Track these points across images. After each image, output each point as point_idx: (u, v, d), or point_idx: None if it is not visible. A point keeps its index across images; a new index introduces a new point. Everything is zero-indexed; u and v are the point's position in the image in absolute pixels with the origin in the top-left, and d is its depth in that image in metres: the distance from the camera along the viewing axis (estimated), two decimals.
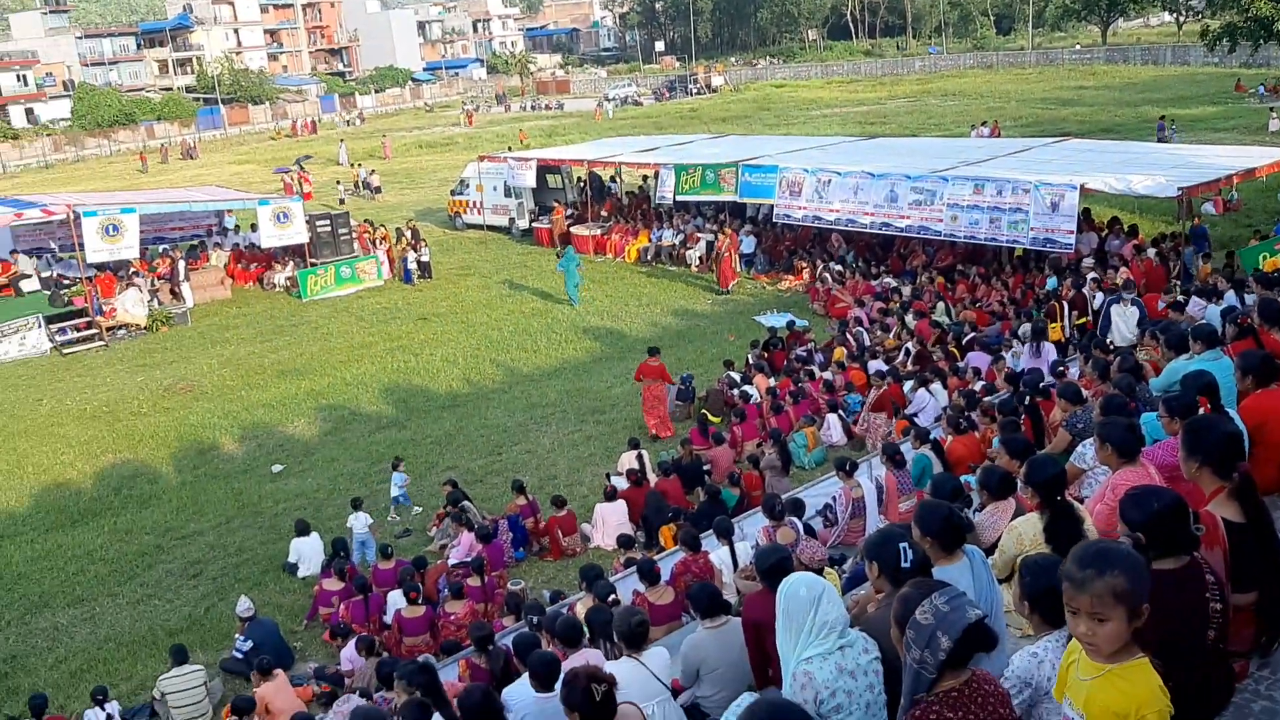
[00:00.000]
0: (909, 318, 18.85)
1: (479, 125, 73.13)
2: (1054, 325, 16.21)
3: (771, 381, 17.01)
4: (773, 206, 25.26)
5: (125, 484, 16.77)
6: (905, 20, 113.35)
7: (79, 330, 24.70)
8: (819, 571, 6.71)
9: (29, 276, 27.26)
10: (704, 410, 16.54)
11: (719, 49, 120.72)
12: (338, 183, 44.65)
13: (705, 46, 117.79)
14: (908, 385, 15.33)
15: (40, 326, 24.27)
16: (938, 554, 4.59)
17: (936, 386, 14.67)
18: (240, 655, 11.08)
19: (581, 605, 9.02)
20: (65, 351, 24.07)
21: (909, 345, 17.56)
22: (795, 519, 9.85)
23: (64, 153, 75.34)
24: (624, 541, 11.65)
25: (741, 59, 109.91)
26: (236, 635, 11.43)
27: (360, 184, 45.61)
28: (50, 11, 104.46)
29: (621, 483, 13.60)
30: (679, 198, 27.42)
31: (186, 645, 11.05)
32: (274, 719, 9.60)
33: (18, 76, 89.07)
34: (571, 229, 31.10)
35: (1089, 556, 3.11)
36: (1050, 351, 14.63)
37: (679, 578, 9.25)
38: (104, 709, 10.33)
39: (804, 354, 18.65)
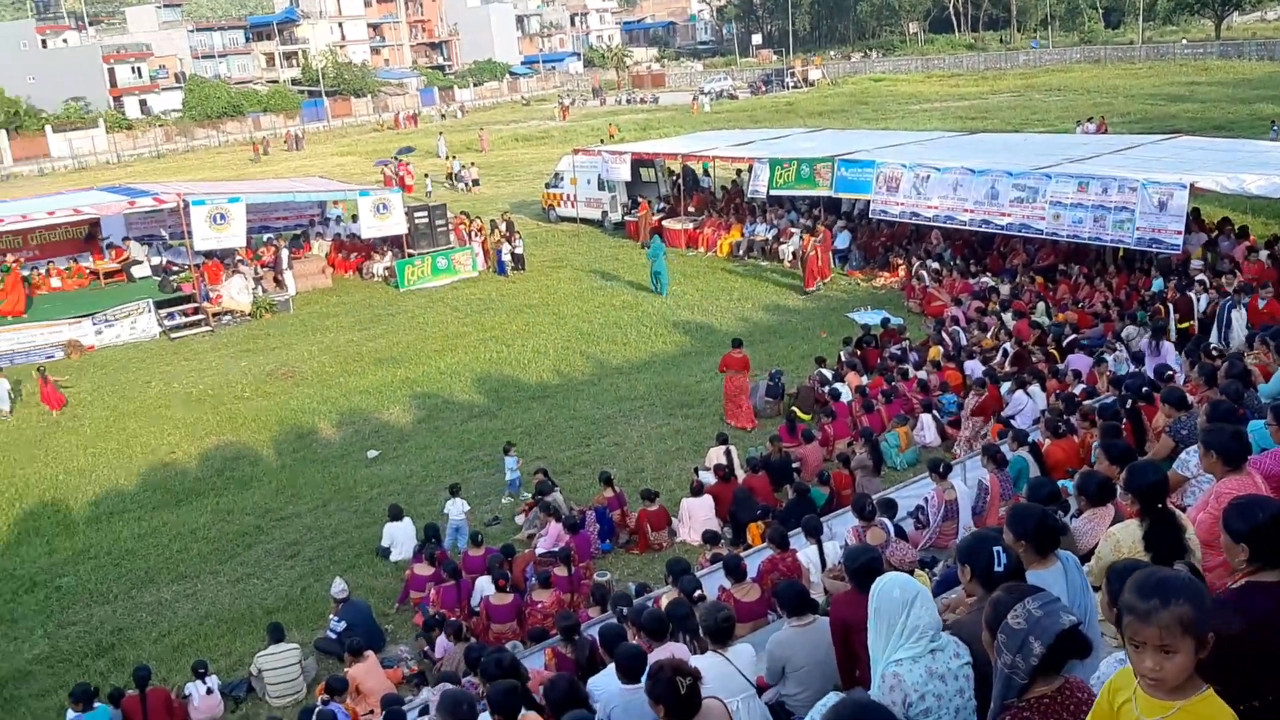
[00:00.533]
0: (1008, 317, 18.43)
1: (574, 119, 73.64)
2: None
3: (864, 380, 16.80)
4: (869, 202, 24.94)
5: (228, 466, 17.32)
6: (1010, 13, 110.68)
7: (187, 315, 25.56)
8: (909, 574, 6.61)
9: (140, 263, 28.32)
10: (794, 407, 16.42)
11: (817, 42, 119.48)
12: (425, 175, 45.36)
13: (803, 40, 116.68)
14: (1005, 387, 14.99)
15: (150, 311, 25.18)
16: (1031, 558, 4.49)
17: (1035, 389, 14.33)
18: (334, 635, 11.35)
19: (667, 599, 9.04)
20: (173, 336, 24.93)
21: (1007, 346, 17.16)
22: (886, 520, 9.72)
23: (175, 143, 78.00)
24: (710, 537, 11.63)
25: (840, 52, 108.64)
26: (330, 616, 11.71)
27: (452, 176, 46.29)
28: (164, 5, 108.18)
29: (709, 478, 13.58)
30: (773, 192, 27.25)
31: (283, 624, 11.37)
32: (365, 699, 9.83)
33: (133, 69, 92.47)
34: (663, 223, 31.15)
35: (1150, 586, 2.94)
36: (1169, 351, 14.17)
37: (766, 575, 9.20)
38: (204, 682, 10.71)
39: (898, 352, 18.38)
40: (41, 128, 74.94)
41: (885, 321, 20.20)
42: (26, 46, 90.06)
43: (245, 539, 14.60)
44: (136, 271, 27.94)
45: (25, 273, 26.84)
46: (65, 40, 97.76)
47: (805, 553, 9.50)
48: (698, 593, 8.42)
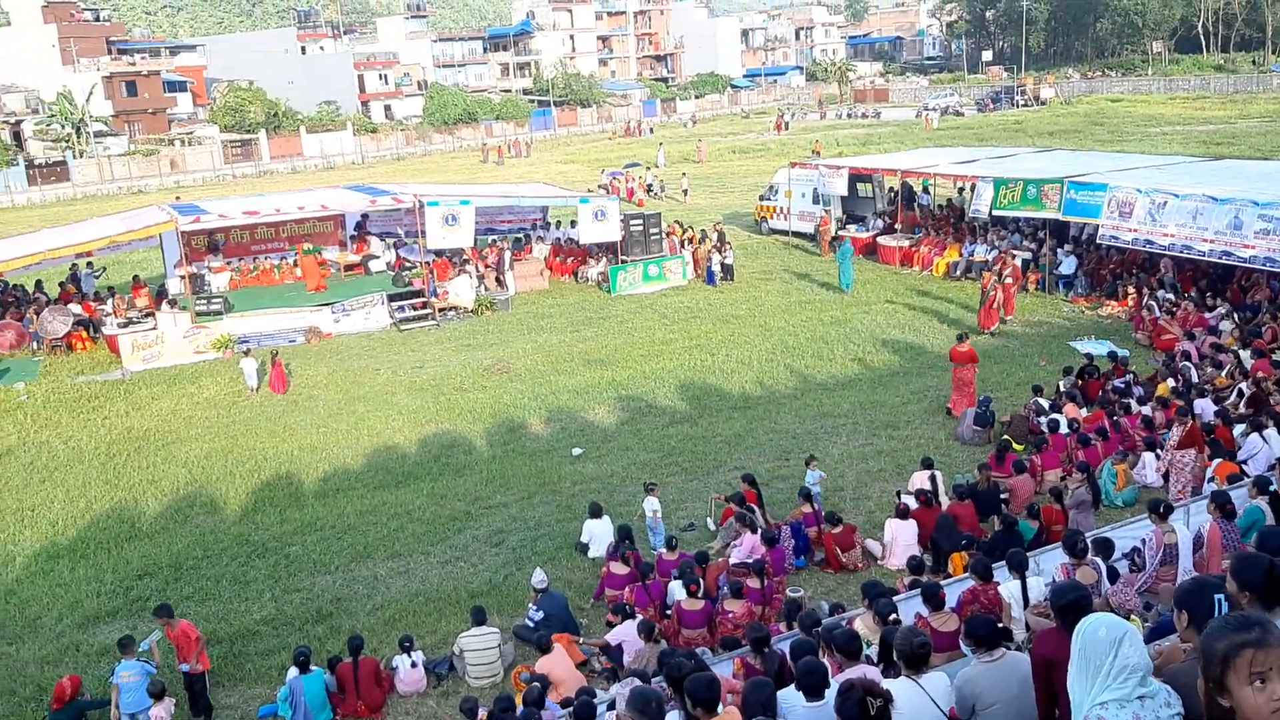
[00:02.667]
0: (1246, 355, 17.14)
1: (793, 132, 73.37)
2: None
3: (1083, 412, 16.00)
4: (1098, 226, 23.71)
5: (444, 452, 18.23)
6: (1264, 34, 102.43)
7: (415, 309, 27.06)
8: (1125, 617, 6.29)
9: (377, 258, 30.20)
10: (1006, 436, 15.82)
11: (1051, 60, 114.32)
12: (648, 188, 46.16)
13: (1036, 57, 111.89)
14: (1239, 429, 13.94)
15: (383, 304, 26.81)
16: (1256, 610, 4.20)
17: (1271, 432, 13.27)
18: (532, 624, 11.76)
19: (860, 621, 8.92)
20: (402, 328, 26.44)
21: (1243, 386, 15.95)
22: (1099, 559, 9.26)
23: (414, 146, 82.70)
24: (914, 565, 11.35)
25: (1075, 71, 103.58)
26: (530, 604, 12.13)
27: (650, 189, 46.57)
28: (412, 16, 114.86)
29: (912, 502, 13.27)
30: (995, 212, 26.32)
31: (485, 608, 11.86)
32: (557, 689, 10.14)
33: (380, 76, 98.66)
34: (878, 239, 30.68)
35: (1237, 620, 2.76)
36: None
37: (966, 606, 8.94)
38: (410, 656, 11.32)
39: (1122, 385, 17.40)
40: (297, 129, 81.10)
41: (1112, 354, 19.17)
42: (288, 53, 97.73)
43: (456, 523, 15.32)
44: (374, 266, 29.82)
45: (275, 262, 29.15)
46: (322, 48, 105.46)
47: (1008, 587, 9.16)
48: (892, 616, 8.27)
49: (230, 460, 18.20)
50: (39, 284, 28.86)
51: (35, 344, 25.61)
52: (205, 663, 11.07)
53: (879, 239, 30.79)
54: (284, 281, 28.47)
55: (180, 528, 15.77)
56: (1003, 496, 13.49)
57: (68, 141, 73.34)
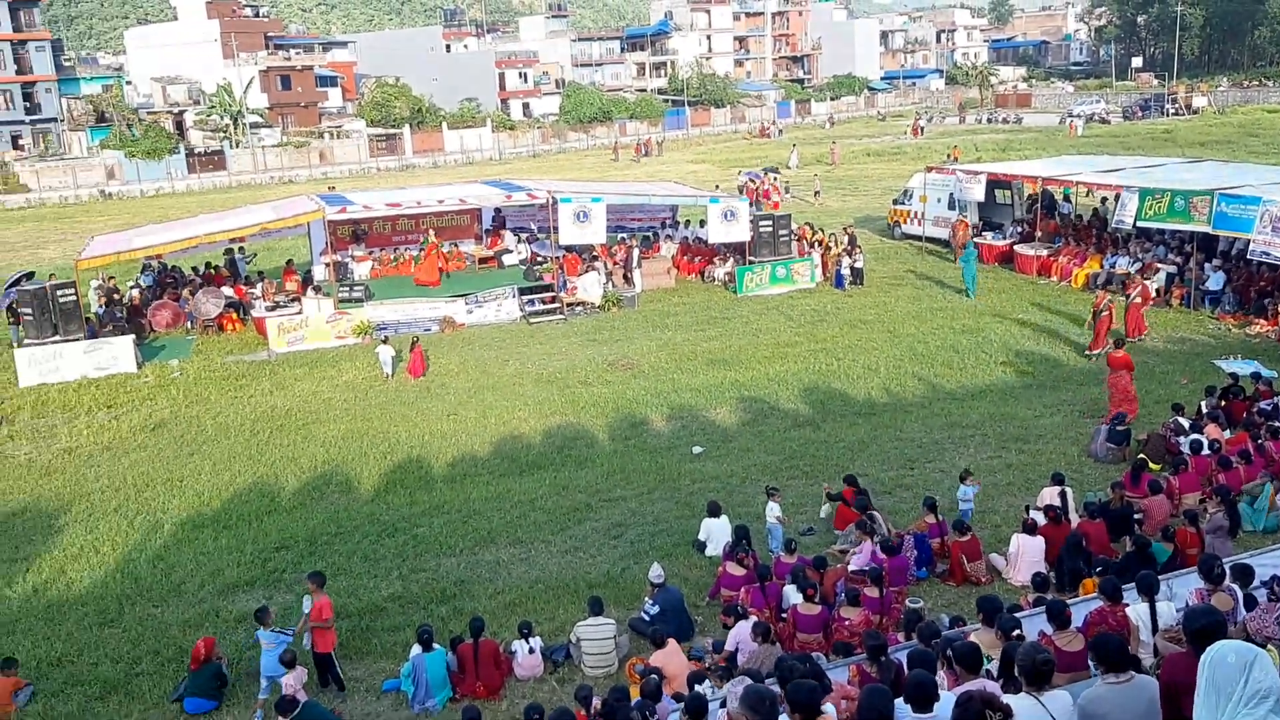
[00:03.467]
0: None
1: (930, 136, 71.94)
2: None
3: (1225, 434, 15.32)
4: (1249, 241, 22.59)
5: (567, 444, 18.56)
6: None
7: (545, 303, 27.57)
8: (1261, 645, 6.06)
9: (511, 251, 30.87)
10: (1142, 455, 15.26)
11: (1205, 68, 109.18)
12: (786, 188, 45.87)
13: (1189, 65, 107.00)
14: None
15: (514, 296, 27.41)
16: None
17: None
18: (647, 618, 11.90)
19: (980, 635, 8.77)
20: (531, 321, 26.98)
21: None
22: (1235, 586, 8.89)
23: (549, 144, 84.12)
24: (1039, 583, 11.06)
25: (1231, 79, 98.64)
26: (646, 599, 12.27)
27: (788, 189, 46.12)
28: (553, 16, 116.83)
29: (1040, 518, 12.94)
30: (1140, 223, 25.33)
31: (602, 599, 12.06)
32: (670, 683, 10.26)
33: (520, 74, 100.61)
34: (1015, 248, 29.90)
35: None
36: None
37: (1092, 627, 8.69)
38: (528, 641, 11.58)
39: (1268, 408, 16.57)
40: (439, 124, 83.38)
41: (1257, 375, 18.27)
42: (433, 50, 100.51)
43: (576, 514, 15.59)
44: (507, 259, 30.50)
45: (415, 253, 30.08)
46: (466, 46, 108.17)
47: (1137, 609, 8.86)
48: (1016, 632, 8.11)
49: (365, 442, 18.91)
50: (196, 268, 30.45)
51: (189, 324, 27.06)
52: (321, 643, 11.41)
53: (1016, 247, 29.99)
54: (441, 268, 29.40)
55: (316, 504, 16.48)
56: (1136, 517, 13.03)
57: (225, 132, 76.99)
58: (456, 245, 31.44)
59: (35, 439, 20.04)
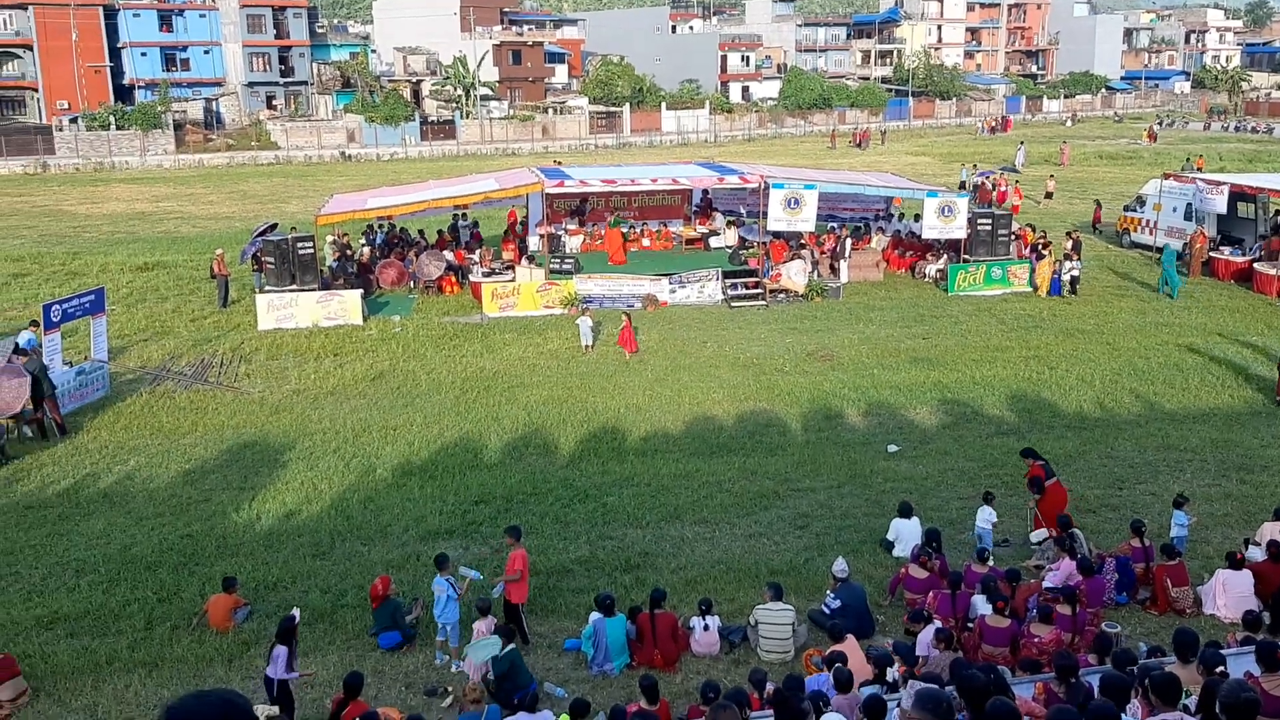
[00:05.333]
0: None
1: (1169, 141, 67.47)
2: None
3: None
4: None
5: (759, 430, 18.59)
6: None
7: (748, 288, 27.60)
8: None
9: (719, 234, 31.01)
10: None
11: None
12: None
13: None
14: None
15: (718, 279, 27.57)
16: None
17: None
18: (828, 611, 11.84)
19: (1175, 668, 8.30)
20: (733, 305, 27.07)
21: None
22: None
23: (765, 129, 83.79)
24: (1250, 621, 10.34)
25: None
26: (828, 592, 12.20)
27: (963, 185, 43.37)
28: (780, 0, 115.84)
29: (1257, 554, 12.08)
30: None
31: (783, 586, 12.08)
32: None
33: (742, 57, 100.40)
34: (1256, 265, 27.78)
35: None
36: None
37: None
38: (706, 619, 11.75)
39: None
40: (658, 104, 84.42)
41: None
42: (659, 31, 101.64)
43: (763, 500, 15.63)
44: (714, 242, 30.67)
45: (625, 230, 30.66)
46: (691, 27, 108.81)
47: None
48: (1220, 669, 7.65)
49: (564, 409, 19.52)
50: (423, 231, 32.06)
51: (412, 283, 28.60)
52: (515, 595, 11.93)
53: (1256, 265, 27.84)
54: (629, 250, 29.91)
55: (515, 464, 17.18)
56: None
57: (457, 103, 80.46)
58: (665, 225, 31.82)
59: (268, 379, 21.70)
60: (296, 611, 11.20)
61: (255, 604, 12.80)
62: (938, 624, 10.81)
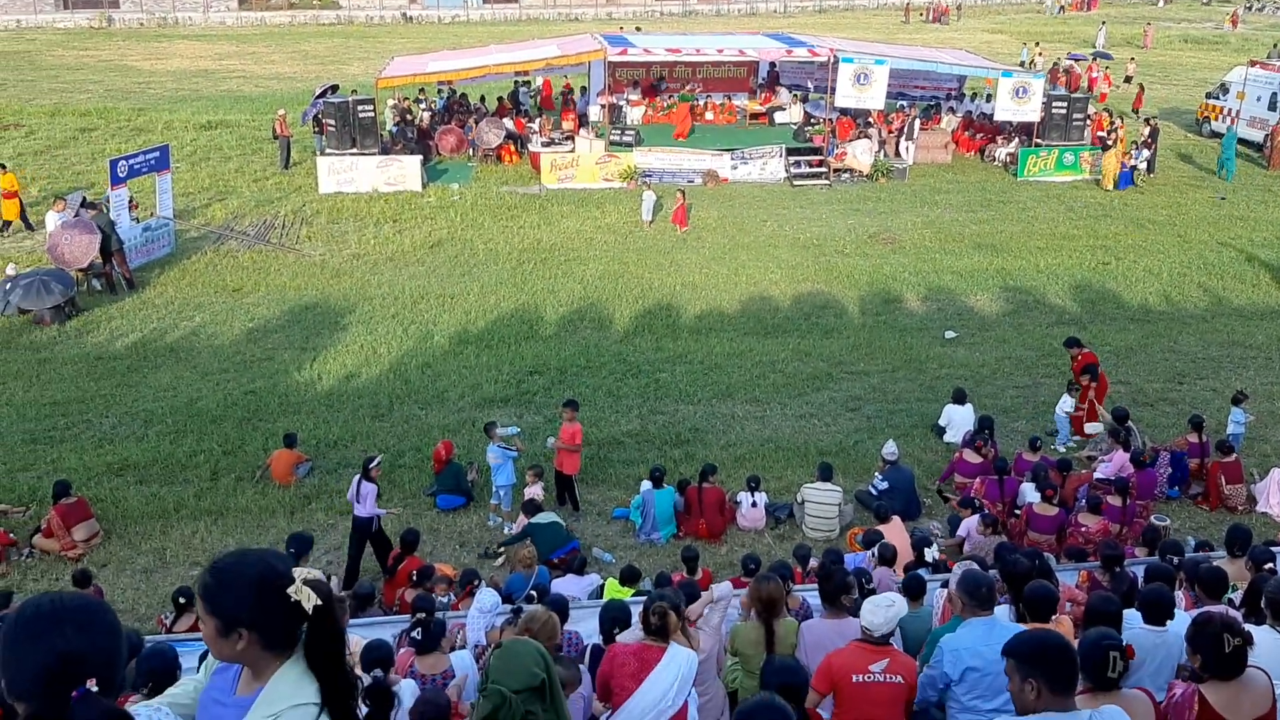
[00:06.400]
0: None
1: (1258, 27, 64.04)
2: None
3: None
4: None
5: (815, 312, 18.49)
6: None
7: (811, 166, 27.05)
8: None
9: (783, 109, 30.27)
10: None
11: None
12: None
13: None
14: None
15: (780, 157, 27.03)
16: None
17: None
18: (875, 492, 11.97)
19: (1224, 564, 8.31)
20: (795, 183, 26.60)
21: None
22: None
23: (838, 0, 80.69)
24: None
25: None
26: (876, 474, 12.32)
27: (1026, 64, 41.21)
28: None
29: None
30: None
31: (832, 466, 12.20)
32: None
33: None
34: None
35: None
36: None
37: None
38: (753, 495, 11.95)
39: None
40: None
41: None
42: None
43: (815, 382, 15.66)
44: (778, 117, 29.96)
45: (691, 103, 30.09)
46: None
47: None
48: (1268, 565, 7.65)
49: (620, 284, 19.53)
50: (484, 97, 31.64)
51: (471, 150, 28.39)
52: (568, 465, 12.18)
53: None
54: (692, 123, 29.36)
55: (570, 337, 17.32)
56: None
57: None
58: (729, 98, 31.11)
59: (329, 242, 21.90)
60: (379, 455, 11.57)
61: (316, 460, 13.22)
62: (984, 509, 10.89)
